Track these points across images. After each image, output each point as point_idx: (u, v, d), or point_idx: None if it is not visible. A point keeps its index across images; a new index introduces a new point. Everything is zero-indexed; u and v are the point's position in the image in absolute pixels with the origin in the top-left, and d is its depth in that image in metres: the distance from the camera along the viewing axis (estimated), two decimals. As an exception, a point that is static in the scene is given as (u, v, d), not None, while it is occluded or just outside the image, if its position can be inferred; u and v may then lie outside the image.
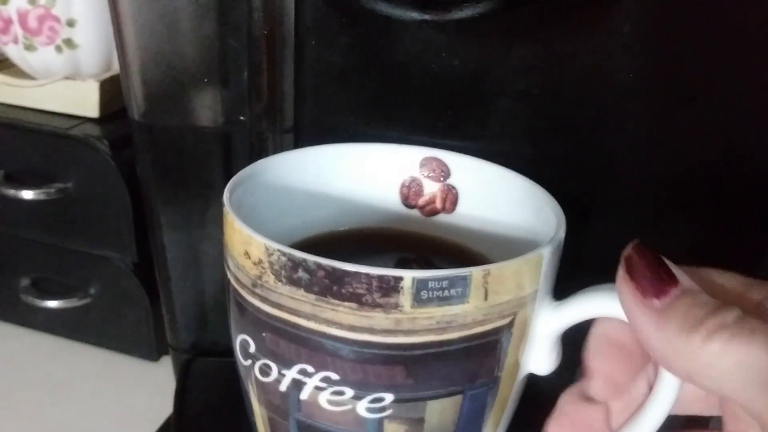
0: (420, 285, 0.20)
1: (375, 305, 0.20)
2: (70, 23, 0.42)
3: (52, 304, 0.45)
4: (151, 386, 0.44)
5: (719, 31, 0.27)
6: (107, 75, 0.44)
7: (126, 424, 0.41)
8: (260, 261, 0.21)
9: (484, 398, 0.23)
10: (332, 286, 0.20)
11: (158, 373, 0.45)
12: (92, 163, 0.40)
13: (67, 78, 0.43)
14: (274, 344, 0.22)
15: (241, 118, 0.31)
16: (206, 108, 0.31)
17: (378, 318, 0.20)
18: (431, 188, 0.30)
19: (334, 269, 0.20)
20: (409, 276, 0.20)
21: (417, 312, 0.20)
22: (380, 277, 0.20)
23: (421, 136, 0.31)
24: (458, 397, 0.22)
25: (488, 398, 0.23)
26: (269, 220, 0.26)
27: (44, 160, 0.42)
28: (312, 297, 0.21)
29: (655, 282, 0.19)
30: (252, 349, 0.23)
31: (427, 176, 0.30)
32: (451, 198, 0.30)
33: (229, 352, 0.25)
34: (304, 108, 0.31)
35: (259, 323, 0.22)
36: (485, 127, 0.31)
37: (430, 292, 0.20)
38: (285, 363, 0.22)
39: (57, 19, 0.41)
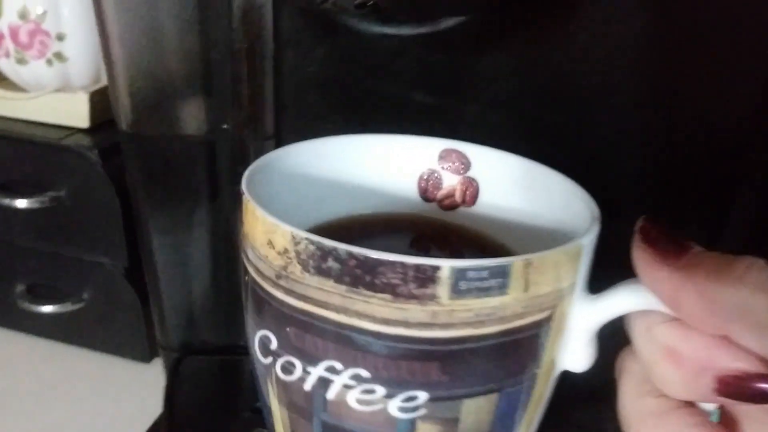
0: (458, 275, 0.18)
1: (410, 296, 0.19)
2: (60, 37, 0.43)
3: (47, 309, 0.46)
4: (143, 387, 0.44)
5: (692, 28, 0.28)
6: (96, 87, 0.45)
7: (119, 424, 0.41)
8: (286, 250, 0.20)
9: (520, 397, 0.22)
10: (365, 277, 0.19)
11: (150, 374, 0.46)
12: (83, 172, 0.41)
13: (57, 90, 0.44)
14: (299, 340, 0.21)
15: (224, 126, 0.32)
16: (191, 118, 0.32)
17: (413, 310, 0.19)
18: (450, 181, 0.29)
19: (367, 258, 0.18)
20: (447, 265, 0.18)
21: (455, 304, 0.19)
22: (417, 267, 0.18)
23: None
24: (494, 396, 0.21)
25: (524, 397, 0.22)
26: (284, 208, 0.25)
27: (37, 170, 0.43)
28: (342, 288, 0.19)
29: (674, 245, 0.19)
30: (274, 345, 0.22)
31: (447, 169, 0.29)
32: (471, 191, 0.29)
33: (217, 350, 0.25)
34: (284, 116, 0.32)
35: (283, 317, 0.21)
36: (459, 132, 0.31)
37: (469, 283, 0.19)
38: (310, 360, 0.21)
39: (47, 34, 0.42)
